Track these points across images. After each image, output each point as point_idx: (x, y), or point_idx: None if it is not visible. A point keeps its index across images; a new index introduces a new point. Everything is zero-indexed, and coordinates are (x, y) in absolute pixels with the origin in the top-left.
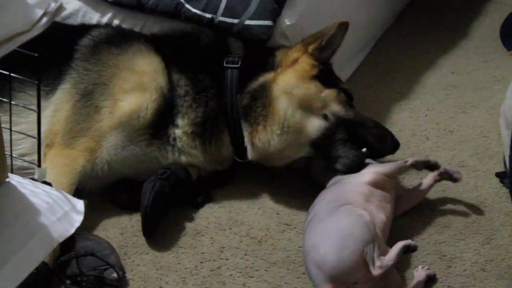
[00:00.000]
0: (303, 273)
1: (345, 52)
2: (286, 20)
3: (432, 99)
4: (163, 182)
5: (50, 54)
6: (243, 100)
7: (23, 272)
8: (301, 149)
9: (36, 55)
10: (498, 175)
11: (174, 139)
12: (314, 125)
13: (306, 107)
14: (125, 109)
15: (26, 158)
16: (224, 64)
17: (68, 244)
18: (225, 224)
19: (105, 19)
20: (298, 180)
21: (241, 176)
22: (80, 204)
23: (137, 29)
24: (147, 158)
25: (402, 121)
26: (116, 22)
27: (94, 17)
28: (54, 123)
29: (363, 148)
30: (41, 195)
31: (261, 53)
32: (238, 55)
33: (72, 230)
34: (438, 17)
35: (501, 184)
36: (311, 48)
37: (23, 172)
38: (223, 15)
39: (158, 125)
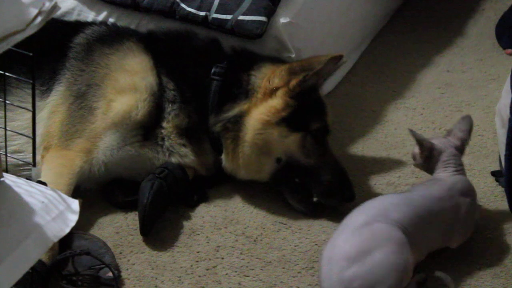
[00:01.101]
0: (299, 272)
1: (340, 51)
2: (282, 19)
3: (428, 97)
4: (161, 181)
5: (45, 51)
6: (217, 125)
7: (18, 272)
8: (265, 179)
9: (31, 54)
10: (493, 173)
11: (162, 139)
12: (268, 167)
13: (266, 151)
14: (118, 110)
15: (21, 156)
16: (211, 75)
17: (66, 242)
18: (221, 223)
19: (100, 18)
20: None
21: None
22: (75, 203)
23: (132, 27)
24: (141, 159)
25: (397, 119)
26: (111, 21)
27: (89, 15)
28: (50, 126)
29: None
30: (36, 194)
31: (246, 65)
32: (222, 66)
33: (67, 230)
34: (433, 15)
35: (497, 183)
36: (292, 83)
37: (19, 169)
38: (216, 11)
39: (149, 126)
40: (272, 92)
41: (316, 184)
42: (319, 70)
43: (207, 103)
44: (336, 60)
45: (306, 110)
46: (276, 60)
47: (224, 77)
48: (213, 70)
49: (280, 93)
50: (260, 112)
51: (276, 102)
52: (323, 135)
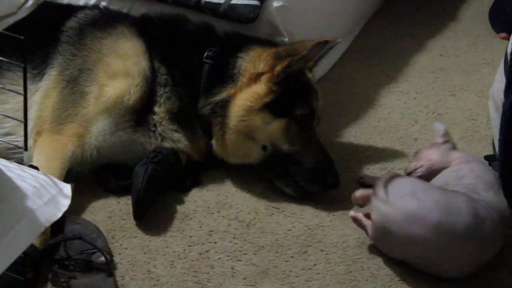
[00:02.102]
0: (292, 257)
1: (333, 35)
2: (275, 2)
3: (421, 82)
4: (155, 166)
5: (37, 34)
6: (205, 108)
7: (10, 256)
8: (255, 164)
9: (22, 38)
10: (487, 158)
11: (154, 125)
12: (255, 154)
13: (251, 137)
14: (110, 94)
15: (12, 138)
16: (203, 59)
17: (58, 227)
18: (214, 208)
19: (92, 2)
20: None
21: None
22: (67, 188)
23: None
24: (134, 144)
25: (390, 104)
26: (103, 4)
27: None
28: (42, 110)
29: None
30: (27, 179)
31: (236, 47)
32: (215, 49)
33: (59, 214)
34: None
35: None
36: (277, 69)
37: (10, 152)
38: None
39: (141, 111)
40: (257, 77)
41: (299, 171)
42: (304, 55)
43: (198, 88)
44: (322, 45)
45: (290, 95)
46: (267, 43)
47: (215, 60)
48: (205, 54)
49: (264, 78)
50: (244, 98)
51: (260, 87)
52: (309, 121)
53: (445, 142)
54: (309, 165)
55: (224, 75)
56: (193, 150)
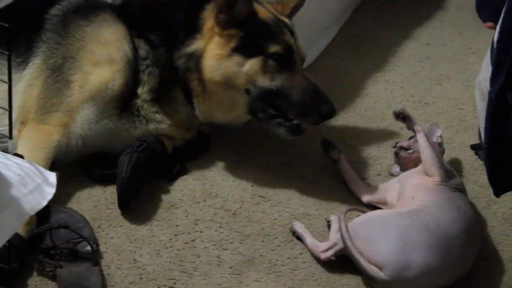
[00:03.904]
0: (278, 246)
1: (319, 24)
2: None
3: (408, 70)
4: (140, 155)
5: (21, 22)
6: (179, 60)
7: None
8: (244, 117)
9: (7, 25)
10: (473, 147)
11: (137, 109)
12: (240, 100)
13: (231, 85)
14: (94, 82)
15: None
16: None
17: (44, 216)
18: (200, 197)
19: None
20: (273, 153)
21: (215, 149)
22: (52, 176)
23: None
24: (119, 132)
25: (377, 93)
26: None
27: None
28: (27, 99)
29: None
30: (12, 167)
31: None
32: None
33: (44, 203)
34: None
35: (476, 156)
36: (217, 18)
37: None
38: None
39: (125, 97)
40: (213, 28)
41: (288, 106)
42: None
43: (176, 42)
44: None
45: (256, 35)
46: None
47: (189, 13)
48: (183, 8)
49: (216, 31)
50: (212, 48)
51: (217, 39)
52: (287, 57)
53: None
54: (297, 98)
55: (195, 26)
56: (176, 128)
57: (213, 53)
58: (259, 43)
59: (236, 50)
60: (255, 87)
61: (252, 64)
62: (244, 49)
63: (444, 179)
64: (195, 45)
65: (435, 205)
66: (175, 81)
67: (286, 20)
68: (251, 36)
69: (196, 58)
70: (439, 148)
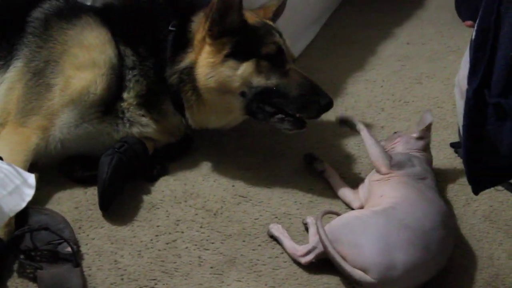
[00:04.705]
0: (259, 245)
1: (300, 24)
2: None
3: (388, 70)
4: (121, 156)
5: (2, 25)
6: (173, 77)
7: None
8: (239, 119)
9: None
10: (452, 145)
11: (122, 111)
12: (236, 104)
13: (226, 90)
14: (76, 86)
15: None
16: (169, 28)
17: (23, 218)
18: (181, 197)
19: None
20: (254, 153)
21: (196, 149)
22: (31, 178)
23: (89, 1)
24: (100, 135)
25: (357, 92)
26: None
27: None
28: (7, 102)
29: None
30: None
31: (191, 12)
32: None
33: (24, 204)
34: None
35: (456, 154)
36: (206, 27)
37: None
38: None
39: (109, 100)
40: (203, 39)
41: (287, 102)
42: (217, 7)
43: (166, 57)
44: None
45: (248, 40)
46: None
47: (177, 28)
48: (171, 23)
49: (207, 41)
50: (204, 58)
51: (209, 48)
52: (279, 56)
53: (423, 136)
54: (295, 93)
55: (185, 41)
56: (161, 133)
57: (206, 61)
58: (251, 47)
59: (229, 55)
60: (251, 88)
61: (246, 67)
62: (237, 54)
63: (392, 169)
64: (188, 60)
65: (406, 201)
66: (165, 92)
67: (271, 23)
68: (242, 41)
69: (189, 70)
70: (415, 141)
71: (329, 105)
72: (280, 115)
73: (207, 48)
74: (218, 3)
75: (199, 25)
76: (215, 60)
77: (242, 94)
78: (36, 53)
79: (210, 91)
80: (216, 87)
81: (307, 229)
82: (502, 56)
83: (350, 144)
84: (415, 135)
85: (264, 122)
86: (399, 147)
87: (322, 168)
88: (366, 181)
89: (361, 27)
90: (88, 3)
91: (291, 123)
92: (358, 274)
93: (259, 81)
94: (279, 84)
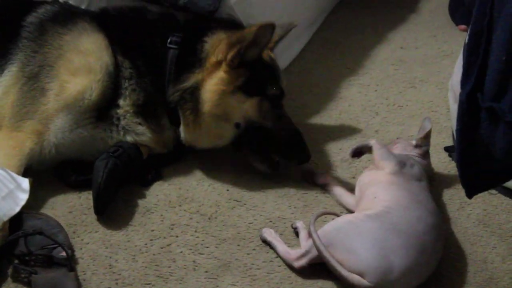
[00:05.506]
0: (254, 249)
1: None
2: None
3: (382, 74)
4: (116, 160)
5: None
6: (174, 95)
7: None
8: (226, 145)
9: None
10: (446, 149)
11: (118, 118)
12: (228, 133)
13: (226, 118)
14: (71, 91)
15: None
16: (167, 44)
17: (17, 222)
18: (175, 202)
19: None
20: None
21: (190, 154)
22: (25, 182)
23: (84, 5)
24: (94, 140)
25: (351, 96)
26: None
27: None
28: (1, 107)
29: None
30: None
31: (201, 32)
32: (179, 34)
33: (18, 209)
34: None
35: (450, 158)
36: (229, 57)
37: None
38: None
39: (103, 107)
40: (218, 64)
41: (274, 145)
42: (252, 40)
43: (164, 74)
44: (267, 28)
45: (259, 76)
46: (230, 24)
47: (181, 46)
48: (169, 39)
49: (223, 65)
50: (214, 83)
51: (223, 74)
52: (279, 99)
53: (421, 144)
54: (284, 140)
55: (191, 60)
56: (156, 143)
57: (216, 88)
58: (260, 84)
59: (240, 88)
60: (247, 122)
61: (250, 103)
62: (247, 88)
63: (395, 170)
64: (193, 80)
65: (399, 205)
66: (163, 106)
67: (273, 55)
68: (254, 77)
69: (193, 90)
70: (413, 148)
71: (306, 160)
72: (263, 156)
73: (221, 75)
74: (255, 37)
75: (215, 49)
76: (226, 89)
77: (237, 125)
78: (31, 58)
79: (211, 116)
80: (218, 114)
81: (297, 234)
82: (495, 60)
83: (344, 149)
84: (413, 142)
85: (244, 156)
86: (397, 152)
87: (324, 181)
88: (357, 182)
89: (355, 31)
90: (83, 7)
91: (269, 165)
92: (355, 278)
93: (257, 119)
94: (272, 128)
